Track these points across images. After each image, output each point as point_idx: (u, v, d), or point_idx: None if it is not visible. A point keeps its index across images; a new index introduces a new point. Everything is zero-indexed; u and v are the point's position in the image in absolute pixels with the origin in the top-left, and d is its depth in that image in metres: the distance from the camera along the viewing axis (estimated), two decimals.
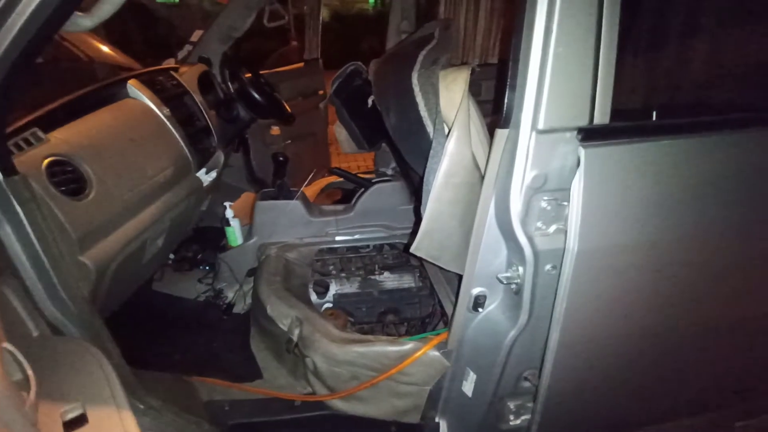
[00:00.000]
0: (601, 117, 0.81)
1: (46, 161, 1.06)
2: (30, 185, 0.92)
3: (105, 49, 1.99)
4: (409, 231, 1.92)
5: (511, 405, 1.09)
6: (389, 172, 2.25)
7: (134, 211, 1.26)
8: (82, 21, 0.80)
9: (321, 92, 2.98)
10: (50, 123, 1.16)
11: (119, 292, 1.34)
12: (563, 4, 0.74)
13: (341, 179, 2.28)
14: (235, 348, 1.71)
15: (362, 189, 1.97)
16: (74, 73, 1.75)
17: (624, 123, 0.83)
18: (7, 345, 0.65)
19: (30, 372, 0.65)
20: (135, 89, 1.44)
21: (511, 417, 1.11)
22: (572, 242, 0.84)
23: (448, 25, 1.22)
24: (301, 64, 2.89)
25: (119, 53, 2.03)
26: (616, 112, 0.81)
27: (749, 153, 0.89)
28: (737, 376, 1.18)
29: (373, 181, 1.99)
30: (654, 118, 0.87)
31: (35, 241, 0.93)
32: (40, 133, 1.09)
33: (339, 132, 2.27)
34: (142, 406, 1.15)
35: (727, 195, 0.89)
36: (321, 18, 2.90)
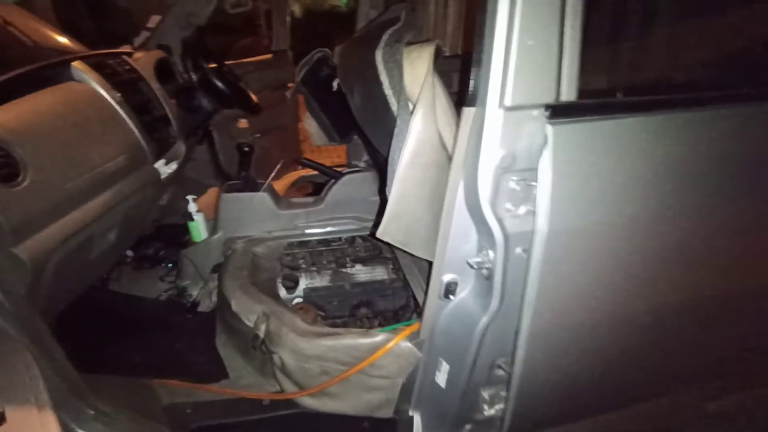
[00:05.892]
0: (568, 94, 0.79)
1: None
2: None
3: (54, 35, 1.84)
4: None
5: (485, 394, 1.07)
6: (362, 164, 2.21)
7: (78, 202, 1.15)
8: None
9: (291, 85, 2.89)
10: None
11: (65, 289, 1.24)
12: None
13: (313, 172, 2.21)
14: (199, 348, 1.63)
15: (333, 180, 1.91)
16: (17, 58, 1.60)
17: (591, 100, 0.82)
18: None
19: None
20: (80, 71, 1.33)
21: (485, 407, 1.08)
22: (541, 223, 0.82)
23: (413, 6, 1.18)
24: (269, 56, 2.80)
25: (71, 39, 1.88)
26: (584, 91, 0.80)
27: (714, 130, 0.90)
28: (708, 356, 1.19)
29: (344, 172, 1.94)
30: (621, 96, 0.86)
31: None
32: None
33: (309, 123, 2.21)
34: (92, 412, 1.07)
35: (695, 172, 0.89)
36: (289, 8, 2.81)
